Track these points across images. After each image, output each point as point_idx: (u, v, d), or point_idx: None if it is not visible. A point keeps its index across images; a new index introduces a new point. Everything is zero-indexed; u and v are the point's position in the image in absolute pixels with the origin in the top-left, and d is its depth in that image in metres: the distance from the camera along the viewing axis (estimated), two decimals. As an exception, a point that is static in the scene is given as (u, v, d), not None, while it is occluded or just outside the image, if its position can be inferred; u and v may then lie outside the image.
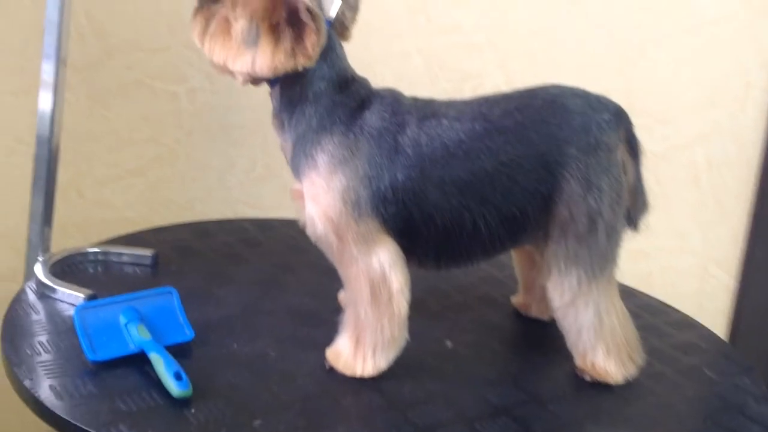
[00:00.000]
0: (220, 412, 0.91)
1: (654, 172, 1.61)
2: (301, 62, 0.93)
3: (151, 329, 1.00)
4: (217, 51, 0.95)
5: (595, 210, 0.97)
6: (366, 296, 0.98)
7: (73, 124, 1.55)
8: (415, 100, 1.00)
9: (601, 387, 1.03)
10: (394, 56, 1.54)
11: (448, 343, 1.10)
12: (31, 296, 1.11)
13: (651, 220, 1.60)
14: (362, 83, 0.99)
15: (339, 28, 1.00)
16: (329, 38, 0.96)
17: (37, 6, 1.19)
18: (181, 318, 1.03)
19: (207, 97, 1.54)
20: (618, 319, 1.03)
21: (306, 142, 0.96)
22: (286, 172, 1.02)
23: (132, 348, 0.98)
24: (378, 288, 0.97)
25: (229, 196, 1.58)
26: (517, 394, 1.00)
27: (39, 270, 1.13)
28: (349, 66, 1.00)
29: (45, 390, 0.91)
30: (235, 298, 1.15)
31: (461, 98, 1.02)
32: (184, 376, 0.93)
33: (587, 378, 1.03)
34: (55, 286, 1.10)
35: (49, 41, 1.10)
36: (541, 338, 1.13)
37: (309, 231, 0.99)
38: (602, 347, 1.02)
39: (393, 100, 0.99)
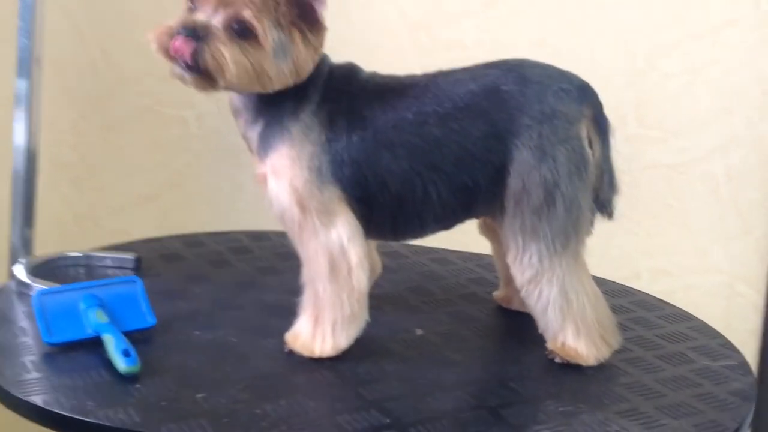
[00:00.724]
0: (165, 388, 0.90)
1: (671, 187, 1.57)
2: (317, 59, 0.96)
3: (112, 315, 1.01)
4: (256, 78, 0.92)
5: (550, 181, 0.94)
6: (325, 271, 0.97)
7: (88, 152, 1.61)
8: (373, 74, 1.01)
9: (571, 368, 0.98)
10: (397, 72, 1.55)
11: (418, 332, 1.07)
12: (11, 293, 1.13)
13: (671, 237, 1.58)
14: (325, 58, 1.00)
15: None
16: None
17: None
18: (144, 306, 1.04)
19: (215, 121, 1.57)
20: (588, 298, 0.99)
21: (283, 117, 0.96)
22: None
23: (89, 332, 0.99)
24: (337, 262, 0.96)
25: (239, 218, 1.59)
26: (479, 374, 0.98)
27: (20, 270, 1.15)
28: None
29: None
30: (209, 295, 1.15)
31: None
32: (132, 353, 0.93)
33: (557, 360, 0.99)
34: (32, 284, 1.12)
35: (24, 45, 1.14)
36: (518, 328, 1.09)
37: (273, 209, 0.99)
38: (571, 327, 0.98)
39: (351, 71, 1.01)
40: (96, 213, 1.60)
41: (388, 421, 0.86)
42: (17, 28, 1.16)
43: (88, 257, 1.23)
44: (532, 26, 1.52)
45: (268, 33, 0.91)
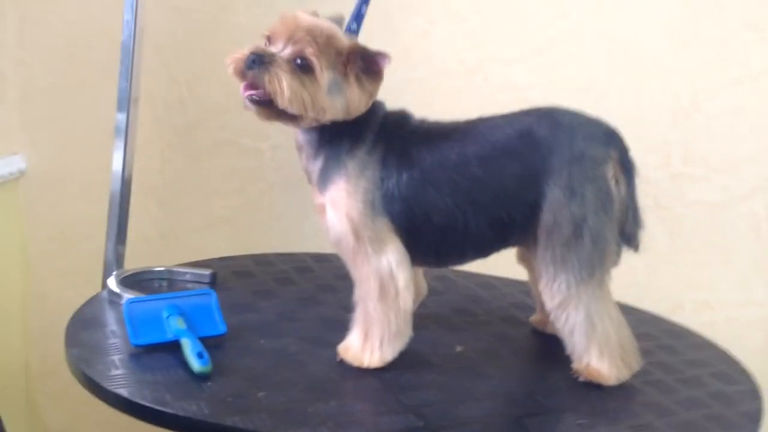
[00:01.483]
0: (232, 386, 1.04)
1: (713, 223, 1.66)
2: (370, 103, 1.09)
3: (189, 323, 1.15)
4: (309, 105, 1.04)
5: (578, 216, 1.05)
6: (375, 293, 1.09)
7: (173, 177, 1.77)
8: (422, 120, 1.14)
9: (593, 386, 1.09)
10: (455, 113, 1.66)
11: (458, 348, 1.19)
12: (104, 301, 1.29)
13: (713, 271, 1.66)
14: (379, 104, 1.13)
15: None
16: None
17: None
18: (217, 315, 1.18)
19: (287, 153, 1.71)
20: (612, 323, 1.10)
21: (341, 155, 1.09)
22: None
23: (170, 336, 1.13)
24: (386, 285, 1.09)
25: (305, 241, 1.73)
26: (509, 387, 1.08)
27: (112, 282, 1.31)
28: None
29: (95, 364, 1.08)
30: (274, 308, 1.29)
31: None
32: (205, 355, 1.07)
33: (581, 378, 1.09)
34: (122, 293, 1.27)
35: (123, 86, 1.30)
36: (549, 349, 1.20)
37: (330, 236, 1.12)
38: (595, 349, 1.09)
39: (402, 116, 1.13)
40: (179, 232, 1.76)
41: (421, 424, 0.98)
42: (118, 71, 1.32)
43: (170, 272, 1.39)
44: (580, 70, 1.63)
45: (324, 71, 1.04)
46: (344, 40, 1.06)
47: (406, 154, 1.09)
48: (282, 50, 1.05)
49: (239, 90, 1.07)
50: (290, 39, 1.04)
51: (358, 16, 1.11)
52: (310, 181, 1.14)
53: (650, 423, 1.01)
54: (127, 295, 1.26)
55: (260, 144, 1.73)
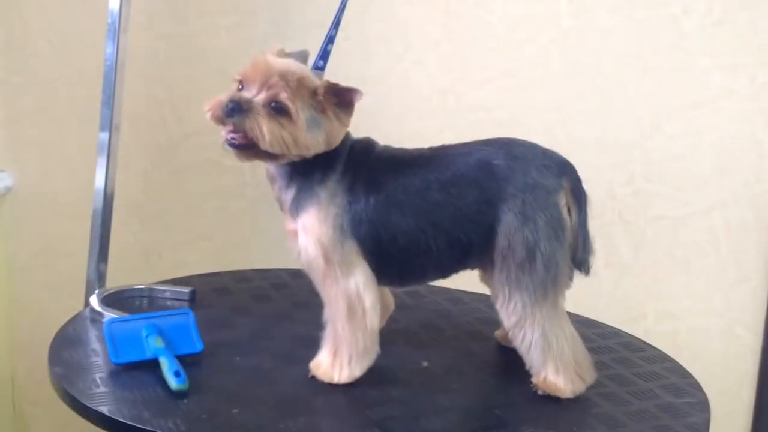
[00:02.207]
0: (207, 403, 1.10)
1: (675, 237, 1.73)
2: (344, 132, 1.15)
3: (168, 341, 1.21)
4: (292, 145, 1.11)
5: (531, 241, 1.12)
6: (343, 313, 1.15)
7: (155, 195, 1.84)
8: (386, 146, 1.20)
9: (551, 399, 1.15)
10: (428, 132, 1.73)
11: (424, 363, 1.25)
12: (86, 320, 1.34)
13: (675, 283, 1.73)
14: (347, 134, 1.19)
15: None
16: None
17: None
18: (194, 334, 1.24)
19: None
20: (566, 340, 1.16)
21: (313, 184, 1.15)
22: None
23: (149, 355, 1.19)
24: (354, 306, 1.15)
25: (286, 257, 1.78)
26: (470, 402, 1.15)
27: (94, 300, 1.37)
28: None
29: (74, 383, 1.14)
30: (250, 326, 1.35)
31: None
32: (182, 373, 1.13)
33: (540, 392, 1.16)
34: (104, 312, 1.33)
35: (105, 113, 1.36)
36: (511, 363, 1.25)
37: (302, 259, 1.18)
38: (552, 365, 1.15)
39: (368, 144, 1.19)
40: (161, 248, 1.83)
41: (386, 437, 1.04)
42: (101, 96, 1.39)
43: (150, 290, 1.45)
44: (548, 92, 1.70)
45: (300, 112, 1.10)
46: (314, 79, 1.12)
47: (373, 180, 1.15)
48: (256, 95, 1.11)
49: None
50: (264, 84, 1.10)
51: (324, 54, 1.17)
52: (282, 209, 1.20)
53: (601, 435, 1.08)
54: (109, 314, 1.32)
55: (240, 163, 1.78)
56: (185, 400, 1.10)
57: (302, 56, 1.17)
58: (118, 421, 1.05)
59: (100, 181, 1.43)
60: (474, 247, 1.15)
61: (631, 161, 1.71)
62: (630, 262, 1.75)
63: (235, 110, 1.10)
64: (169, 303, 1.42)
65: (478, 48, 1.71)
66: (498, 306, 1.16)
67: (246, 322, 1.36)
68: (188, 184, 1.82)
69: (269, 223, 1.79)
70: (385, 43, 1.72)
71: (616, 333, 1.41)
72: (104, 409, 1.07)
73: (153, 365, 1.17)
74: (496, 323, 1.36)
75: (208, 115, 1.13)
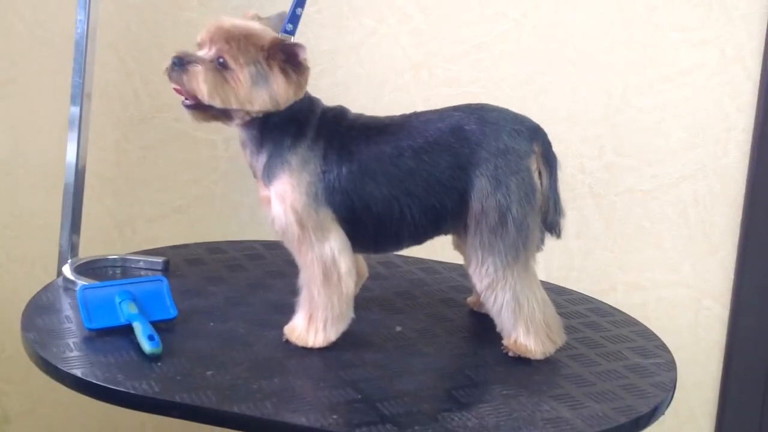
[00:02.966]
0: (181, 366, 1.11)
1: (644, 210, 1.75)
2: (300, 93, 1.16)
3: (141, 307, 1.21)
4: (233, 98, 1.13)
5: (503, 205, 1.13)
6: (319, 278, 1.16)
7: (128, 169, 1.83)
8: (359, 115, 1.21)
9: (521, 361, 1.17)
10: (402, 106, 1.71)
11: (398, 328, 1.26)
12: (59, 288, 1.34)
13: (644, 254, 1.76)
14: (316, 101, 1.20)
15: None
16: None
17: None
18: (168, 301, 1.24)
19: (239, 145, 1.77)
20: (537, 302, 1.18)
21: (283, 151, 1.16)
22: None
23: (122, 320, 1.19)
24: (329, 271, 1.16)
25: (259, 230, 1.79)
26: (442, 363, 1.17)
27: (66, 269, 1.37)
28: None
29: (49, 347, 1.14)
30: (224, 294, 1.35)
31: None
32: (156, 337, 1.14)
33: (510, 354, 1.18)
34: (77, 280, 1.33)
35: (76, 82, 1.36)
36: (482, 327, 1.27)
37: (276, 226, 1.19)
38: (522, 326, 1.17)
39: (340, 112, 1.20)
40: (134, 222, 1.82)
41: (359, 396, 1.05)
42: (72, 66, 1.38)
43: (124, 260, 1.45)
44: (520, 66, 1.71)
45: (244, 67, 1.12)
46: (265, 37, 1.13)
47: (345, 149, 1.16)
48: (207, 53, 1.14)
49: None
50: (211, 42, 1.13)
51: (293, 17, 1.18)
52: (255, 175, 1.21)
53: (569, 393, 1.10)
54: (82, 282, 1.32)
55: (213, 136, 1.79)
56: (159, 363, 1.11)
57: (280, 18, 1.18)
58: (91, 383, 1.06)
59: (71, 154, 1.43)
60: (448, 212, 1.16)
61: (601, 135, 1.73)
62: (600, 234, 1.78)
63: (177, 65, 1.13)
64: (142, 273, 1.42)
65: (451, 22, 1.72)
66: (471, 270, 1.18)
67: (220, 290, 1.36)
68: (161, 157, 1.81)
69: (243, 196, 1.80)
70: (358, 17, 1.73)
71: (585, 299, 1.44)
72: (78, 372, 1.08)
73: (127, 331, 1.18)
74: (469, 291, 1.39)
75: (166, 76, 1.16)
